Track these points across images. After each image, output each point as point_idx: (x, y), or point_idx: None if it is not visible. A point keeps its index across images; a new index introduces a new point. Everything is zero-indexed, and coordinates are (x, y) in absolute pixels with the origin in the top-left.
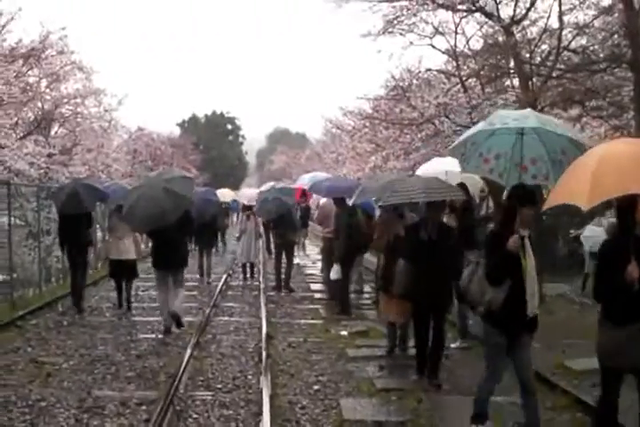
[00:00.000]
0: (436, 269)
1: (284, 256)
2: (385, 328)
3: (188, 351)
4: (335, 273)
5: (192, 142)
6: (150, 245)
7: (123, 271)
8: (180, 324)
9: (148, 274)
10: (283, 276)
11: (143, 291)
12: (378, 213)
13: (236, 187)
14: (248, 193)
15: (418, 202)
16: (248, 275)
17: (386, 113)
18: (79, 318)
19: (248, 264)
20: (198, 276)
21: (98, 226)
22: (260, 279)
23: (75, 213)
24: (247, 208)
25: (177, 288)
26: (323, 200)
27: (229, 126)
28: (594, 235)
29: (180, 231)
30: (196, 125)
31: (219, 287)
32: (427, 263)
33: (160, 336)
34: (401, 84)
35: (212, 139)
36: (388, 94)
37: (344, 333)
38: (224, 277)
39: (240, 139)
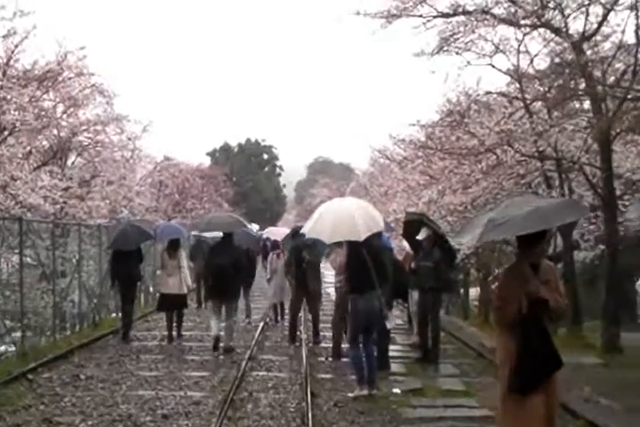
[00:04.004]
0: None
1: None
2: None
3: (222, 412)
4: (390, 321)
5: (224, 174)
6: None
7: (173, 304)
8: (216, 348)
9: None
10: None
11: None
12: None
13: (272, 223)
14: (276, 232)
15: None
16: (279, 316)
17: (441, 141)
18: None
19: (279, 304)
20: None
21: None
22: (301, 329)
23: (124, 249)
24: (277, 246)
25: (229, 317)
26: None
27: (265, 156)
28: None
29: (235, 267)
30: (229, 155)
31: (255, 337)
32: None
33: (189, 393)
34: (458, 108)
35: (247, 170)
36: (444, 120)
37: (396, 390)
38: (261, 325)
39: (277, 170)
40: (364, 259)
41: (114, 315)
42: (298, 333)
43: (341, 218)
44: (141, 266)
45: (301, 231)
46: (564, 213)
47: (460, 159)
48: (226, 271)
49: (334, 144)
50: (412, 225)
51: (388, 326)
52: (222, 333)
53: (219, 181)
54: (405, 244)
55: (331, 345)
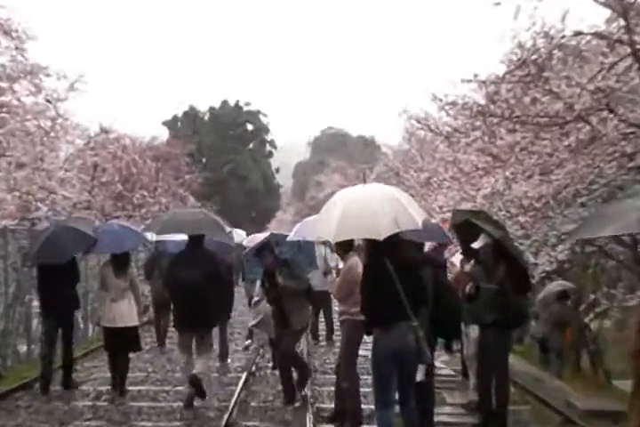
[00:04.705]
0: None
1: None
2: None
3: None
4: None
5: (188, 153)
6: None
7: (121, 343)
8: (201, 393)
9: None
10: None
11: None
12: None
13: (259, 226)
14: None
15: None
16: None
17: (509, 105)
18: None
19: (264, 345)
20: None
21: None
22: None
23: (54, 263)
24: None
25: (202, 354)
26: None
27: (250, 127)
28: None
29: (211, 285)
30: (196, 125)
31: (236, 394)
32: None
33: None
34: (534, 57)
35: (222, 147)
36: (513, 75)
37: None
38: (244, 376)
39: (268, 147)
40: (388, 275)
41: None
42: (298, 387)
43: (357, 207)
44: (79, 286)
45: (292, 237)
46: None
47: (538, 131)
48: (196, 290)
49: (349, 111)
50: (465, 229)
51: (418, 377)
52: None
53: (180, 163)
54: (456, 258)
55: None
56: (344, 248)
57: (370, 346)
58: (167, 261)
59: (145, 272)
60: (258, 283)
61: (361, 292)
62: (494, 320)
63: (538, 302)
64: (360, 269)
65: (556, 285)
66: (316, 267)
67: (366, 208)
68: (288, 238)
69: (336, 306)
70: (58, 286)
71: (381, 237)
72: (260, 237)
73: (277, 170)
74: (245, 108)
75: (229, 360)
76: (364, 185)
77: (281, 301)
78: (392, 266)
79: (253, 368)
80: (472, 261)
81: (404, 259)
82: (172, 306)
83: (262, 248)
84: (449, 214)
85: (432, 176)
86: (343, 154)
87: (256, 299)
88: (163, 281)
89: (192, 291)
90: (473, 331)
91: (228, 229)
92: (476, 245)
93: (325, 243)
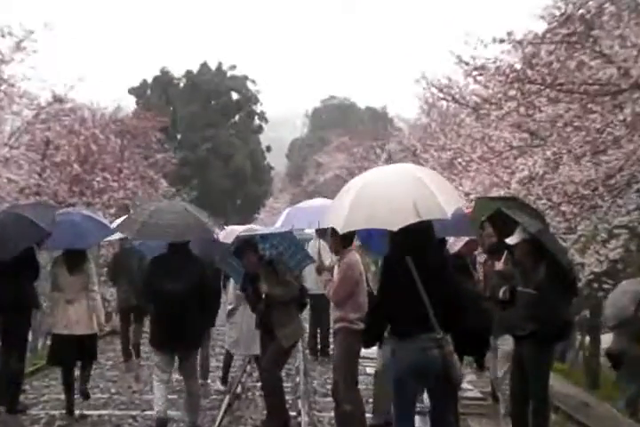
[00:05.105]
0: None
1: None
2: None
3: None
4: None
5: (160, 127)
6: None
7: (74, 354)
8: None
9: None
10: None
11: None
12: None
13: (246, 217)
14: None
15: None
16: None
17: (550, 70)
18: None
19: (250, 359)
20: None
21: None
22: (299, 403)
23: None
24: None
25: (189, 376)
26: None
27: (236, 95)
28: None
29: (198, 299)
30: (169, 93)
31: (218, 420)
32: None
33: None
34: (581, 11)
35: (201, 119)
36: (555, 33)
37: None
38: (226, 399)
39: (257, 120)
40: (409, 277)
41: None
42: (291, 412)
43: (371, 192)
44: (37, 285)
45: (279, 227)
46: None
47: (586, 102)
48: (181, 305)
49: (354, 78)
50: (493, 221)
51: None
52: (176, 410)
53: (151, 140)
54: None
55: None
56: (343, 243)
57: (375, 362)
58: (137, 260)
59: (109, 274)
60: (231, 285)
61: (379, 294)
62: (532, 331)
63: (608, 304)
64: (361, 267)
65: (633, 283)
66: (310, 260)
67: (381, 193)
68: (275, 226)
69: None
70: (7, 285)
71: (395, 228)
72: (237, 229)
73: (268, 148)
74: (230, 73)
75: (209, 381)
76: (382, 167)
77: (265, 310)
78: (415, 266)
79: (238, 389)
80: (502, 260)
81: (431, 258)
82: (145, 317)
83: (243, 246)
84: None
85: (456, 156)
86: (348, 129)
87: (230, 307)
88: (133, 286)
89: (176, 306)
90: (505, 344)
91: (217, 231)
92: (511, 240)
93: (322, 235)
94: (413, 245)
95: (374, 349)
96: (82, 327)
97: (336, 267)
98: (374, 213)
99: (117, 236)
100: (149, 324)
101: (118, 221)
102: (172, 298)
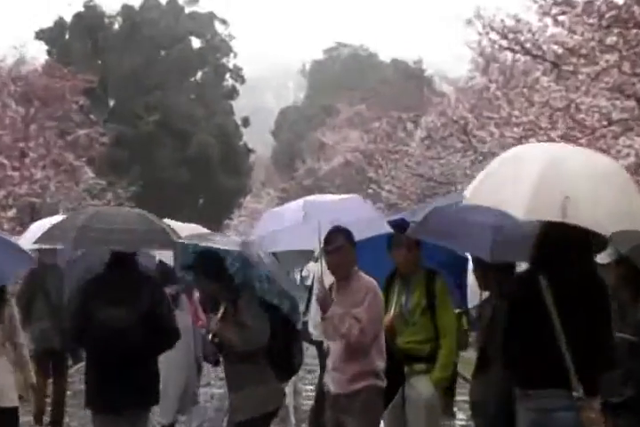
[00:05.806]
0: None
1: None
2: None
3: None
4: None
5: (83, 89)
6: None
7: None
8: None
9: None
10: None
11: None
12: None
13: (216, 223)
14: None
15: None
16: None
17: None
18: None
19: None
20: None
21: None
22: None
23: None
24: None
25: None
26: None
27: (198, 42)
28: None
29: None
30: (98, 39)
31: None
32: None
33: None
34: None
35: (146, 79)
36: None
37: None
38: None
39: (229, 79)
40: (542, 308)
41: None
42: None
43: (555, 175)
44: None
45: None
46: None
47: None
48: (126, 342)
49: (371, 21)
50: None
51: None
52: None
53: (71, 107)
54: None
55: None
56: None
57: None
58: (59, 282)
59: (20, 305)
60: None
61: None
62: (631, 397)
63: None
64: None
65: None
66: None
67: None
68: (241, 244)
69: None
70: None
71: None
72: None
73: (245, 121)
74: (188, 10)
75: None
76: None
77: (224, 363)
78: (551, 292)
79: None
80: None
81: (574, 278)
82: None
83: (198, 263)
84: None
85: (528, 135)
86: (365, 92)
87: None
88: (55, 318)
89: (118, 344)
90: None
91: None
92: (601, 260)
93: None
94: (552, 257)
95: None
96: None
97: (334, 293)
98: (552, 200)
99: (35, 246)
100: (84, 375)
101: (33, 229)
102: (110, 332)
